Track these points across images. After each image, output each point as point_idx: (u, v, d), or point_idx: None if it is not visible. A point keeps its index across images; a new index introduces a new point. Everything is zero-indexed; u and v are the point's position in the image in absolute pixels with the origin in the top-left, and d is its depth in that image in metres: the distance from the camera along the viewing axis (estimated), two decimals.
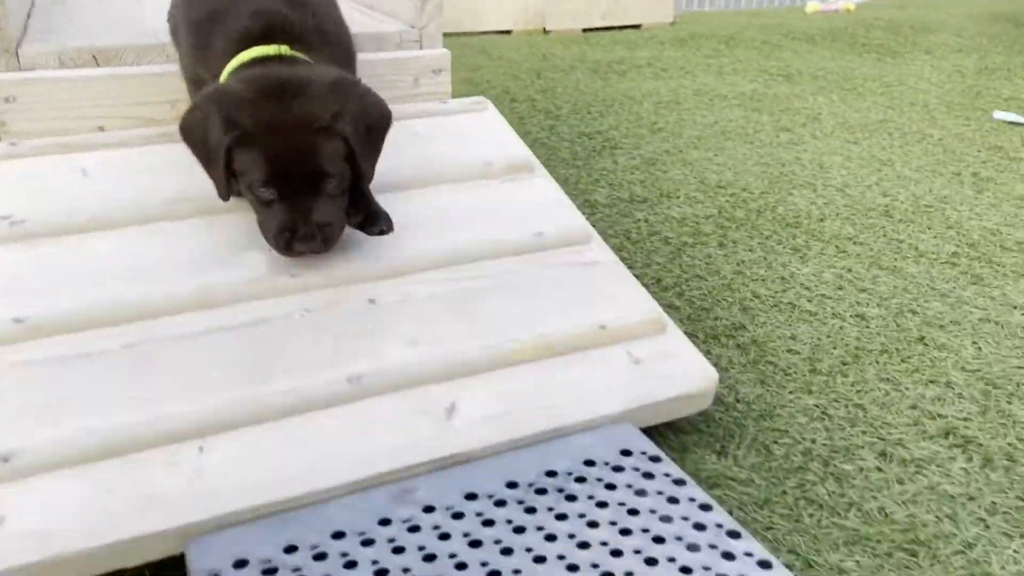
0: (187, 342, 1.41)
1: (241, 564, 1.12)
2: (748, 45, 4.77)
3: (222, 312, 1.47)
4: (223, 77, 1.61)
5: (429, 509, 1.22)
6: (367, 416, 1.35)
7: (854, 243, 2.31)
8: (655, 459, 1.32)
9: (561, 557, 1.13)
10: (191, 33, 1.73)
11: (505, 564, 1.12)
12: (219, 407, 1.30)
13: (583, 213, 2.48)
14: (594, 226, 2.39)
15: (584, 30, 5.08)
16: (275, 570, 1.11)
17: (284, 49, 1.62)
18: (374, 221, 1.67)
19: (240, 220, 1.65)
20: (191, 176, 1.71)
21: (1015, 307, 1.98)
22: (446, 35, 4.83)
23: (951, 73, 4.14)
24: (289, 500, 1.22)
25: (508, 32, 5.03)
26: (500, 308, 1.56)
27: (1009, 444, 1.52)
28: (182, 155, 1.80)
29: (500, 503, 1.23)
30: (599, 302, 1.60)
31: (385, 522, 1.19)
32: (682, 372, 1.50)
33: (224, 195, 1.53)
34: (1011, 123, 3.38)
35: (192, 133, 1.53)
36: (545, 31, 5.04)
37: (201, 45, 1.70)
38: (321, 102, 1.50)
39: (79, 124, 1.82)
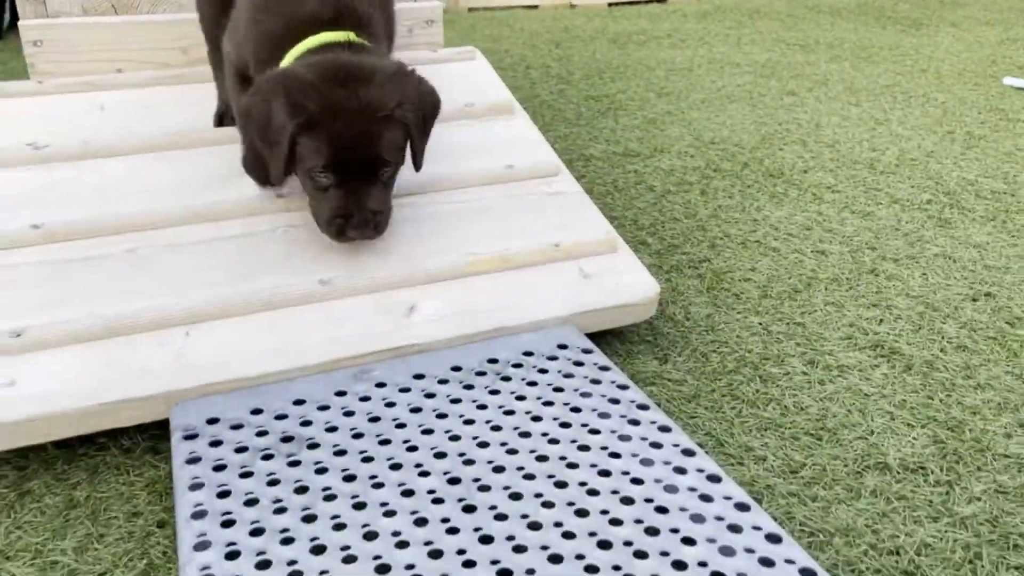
0: (181, 249, 1.59)
1: (213, 421, 1.30)
2: (771, 18, 4.84)
3: (214, 226, 1.65)
4: (287, 60, 1.62)
5: (381, 385, 1.38)
6: (335, 312, 1.52)
7: (831, 191, 2.42)
8: (587, 351, 1.47)
9: (488, 421, 1.29)
10: (252, 8, 1.69)
11: (438, 425, 1.28)
12: (204, 301, 1.49)
13: (577, 167, 2.64)
14: (584, 177, 2.55)
15: (610, 4, 5.19)
16: (241, 426, 1.29)
17: (351, 36, 1.63)
18: None
19: (239, 152, 1.83)
20: (198, 113, 1.91)
21: (973, 245, 2.08)
22: (473, 9, 5.03)
23: (971, 43, 4.17)
24: (262, 376, 1.40)
25: (535, 7, 5.17)
26: (466, 228, 1.72)
27: (932, 355, 1.63)
28: (192, 95, 2.00)
29: (443, 381, 1.39)
30: (558, 225, 1.75)
31: (341, 393, 1.36)
32: (627, 284, 1.64)
33: (280, 178, 1.56)
34: (1020, 88, 3.42)
35: (253, 116, 1.54)
36: (571, 5, 5.16)
37: (261, 25, 1.68)
38: (385, 91, 1.53)
39: (99, 66, 2.03)
